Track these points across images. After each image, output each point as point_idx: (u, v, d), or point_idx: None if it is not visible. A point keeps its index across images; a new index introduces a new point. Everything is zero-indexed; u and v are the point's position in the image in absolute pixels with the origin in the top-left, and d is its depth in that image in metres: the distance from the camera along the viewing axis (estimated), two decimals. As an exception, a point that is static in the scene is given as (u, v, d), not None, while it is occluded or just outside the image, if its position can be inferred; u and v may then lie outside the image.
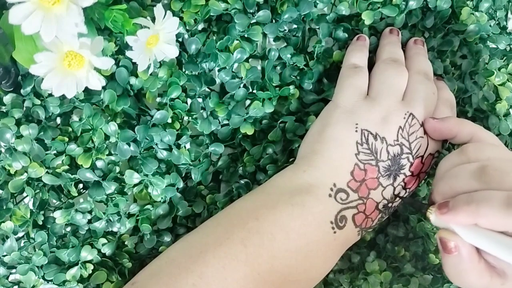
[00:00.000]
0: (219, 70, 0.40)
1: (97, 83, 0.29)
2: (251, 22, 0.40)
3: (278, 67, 0.41)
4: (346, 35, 0.41)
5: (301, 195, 0.33)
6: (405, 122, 0.35)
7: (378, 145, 0.34)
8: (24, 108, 0.38)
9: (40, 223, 0.38)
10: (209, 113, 0.40)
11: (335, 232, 0.33)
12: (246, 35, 0.40)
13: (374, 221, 0.35)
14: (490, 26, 0.43)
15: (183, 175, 0.40)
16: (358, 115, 0.35)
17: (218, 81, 0.40)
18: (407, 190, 0.36)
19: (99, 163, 0.38)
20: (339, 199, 0.33)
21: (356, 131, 0.34)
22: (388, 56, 0.38)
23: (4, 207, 0.38)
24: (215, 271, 0.31)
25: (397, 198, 0.36)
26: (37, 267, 0.38)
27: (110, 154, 0.38)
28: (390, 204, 0.35)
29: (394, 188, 0.35)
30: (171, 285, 0.31)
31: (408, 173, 0.35)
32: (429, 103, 0.36)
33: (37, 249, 0.38)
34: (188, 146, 0.40)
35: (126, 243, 0.39)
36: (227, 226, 0.33)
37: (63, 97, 0.37)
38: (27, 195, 0.39)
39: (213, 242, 0.32)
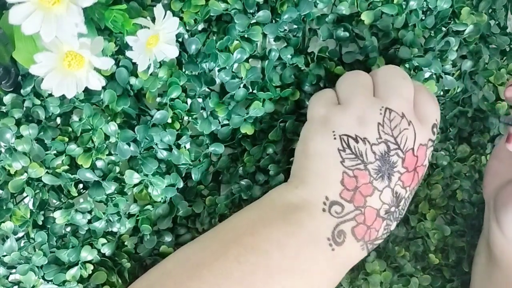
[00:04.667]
0: (219, 70, 0.40)
1: (97, 83, 0.29)
2: (251, 22, 0.40)
3: (279, 68, 0.41)
4: (348, 35, 0.41)
5: (295, 212, 0.32)
6: (383, 118, 0.33)
7: (361, 147, 0.32)
8: (24, 108, 0.38)
9: (40, 223, 0.38)
10: (209, 113, 0.40)
11: (333, 250, 0.32)
12: (246, 35, 0.40)
13: (380, 231, 0.33)
14: (490, 26, 0.43)
15: (183, 175, 0.40)
16: (333, 123, 0.33)
17: (218, 81, 0.40)
18: (407, 189, 0.34)
19: (99, 163, 0.38)
20: (334, 213, 0.32)
21: (335, 138, 0.33)
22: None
23: (4, 207, 0.38)
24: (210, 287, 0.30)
25: (401, 201, 0.33)
26: (37, 267, 0.38)
27: (110, 154, 0.38)
28: (393, 209, 0.33)
29: (392, 190, 0.33)
30: None
31: (403, 170, 0.33)
32: (405, 90, 0.34)
33: (37, 249, 0.38)
34: (188, 146, 0.40)
35: (126, 243, 0.39)
36: (223, 241, 0.32)
37: (63, 97, 0.37)
38: (27, 195, 0.39)
39: (209, 256, 0.32)
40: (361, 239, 0.32)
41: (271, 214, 0.33)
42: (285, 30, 0.40)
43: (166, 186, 0.39)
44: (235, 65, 0.40)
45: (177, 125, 0.39)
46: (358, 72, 0.36)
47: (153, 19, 0.30)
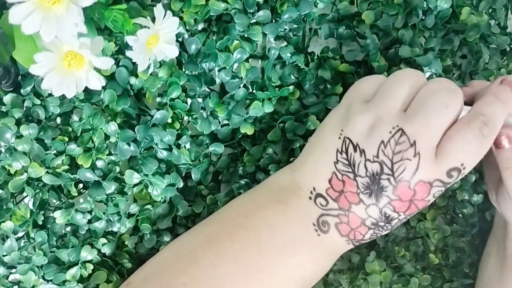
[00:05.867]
0: (219, 70, 0.40)
1: (97, 83, 0.29)
2: (251, 22, 0.40)
3: (278, 66, 0.41)
4: (349, 32, 0.41)
5: (286, 194, 0.33)
6: (390, 137, 0.30)
7: (357, 157, 0.30)
8: (24, 108, 0.38)
9: (40, 223, 0.38)
10: (209, 113, 0.40)
11: (319, 235, 0.32)
12: (246, 35, 0.40)
13: (366, 235, 0.32)
14: (490, 26, 0.43)
15: (183, 175, 0.40)
16: (347, 120, 0.31)
17: (218, 81, 0.40)
18: (401, 214, 0.31)
19: (99, 163, 0.38)
20: (319, 204, 0.32)
21: (340, 137, 0.31)
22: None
23: (4, 207, 0.38)
24: (205, 269, 0.31)
25: (393, 220, 0.31)
26: (37, 267, 0.38)
27: (110, 154, 0.38)
28: (382, 224, 0.32)
29: (381, 210, 0.31)
30: (164, 285, 0.31)
31: (394, 197, 0.30)
32: (437, 120, 0.29)
33: (37, 249, 0.38)
34: (188, 146, 0.40)
35: (126, 243, 0.39)
36: (218, 225, 0.33)
37: (63, 97, 0.37)
38: (27, 195, 0.39)
39: (204, 240, 0.33)
40: (345, 236, 0.32)
41: (265, 195, 0.34)
42: (285, 29, 0.40)
43: (166, 186, 0.39)
44: (235, 65, 0.40)
45: (177, 125, 0.39)
46: (405, 74, 0.31)
47: (153, 19, 0.30)
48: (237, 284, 0.31)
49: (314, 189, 0.32)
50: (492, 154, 0.33)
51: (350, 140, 0.31)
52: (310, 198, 0.32)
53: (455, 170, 0.30)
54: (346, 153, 0.31)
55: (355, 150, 0.30)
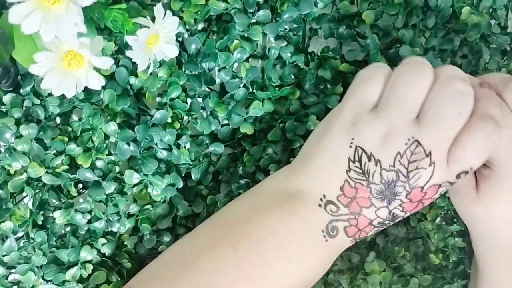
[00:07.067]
0: (219, 70, 0.40)
1: (96, 82, 0.29)
2: (251, 21, 0.39)
3: (278, 66, 0.41)
4: (350, 32, 0.40)
5: (290, 202, 0.32)
6: (406, 149, 0.30)
7: (372, 167, 0.30)
8: (24, 108, 0.38)
9: (40, 223, 0.38)
10: (209, 113, 0.40)
11: (327, 240, 0.32)
12: (246, 35, 0.40)
13: (369, 233, 0.33)
14: (491, 25, 0.43)
15: (183, 175, 0.40)
16: (357, 129, 0.31)
17: (218, 81, 0.40)
18: (407, 212, 0.32)
19: (99, 163, 0.38)
20: (329, 211, 0.32)
21: (351, 146, 0.31)
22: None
23: (4, 207, 0.38)
24: (207, 276, 0.31)
25: (397, 218, 0.33)
26: (37, 267, 0.38)
27: (110, 154, 0.38)
28: (387, 222, 0.33)
29: (390, 211, 0.32)
30: None
31: (405, 200, 0.31)
32: (450, 128, 0.30)
33: (36, 249, 0.38)
34: (188, 146, 0.40)
35: (125, 243, 0.39)
36: (220, 230, 0.33)
37: (62, 97, 0.37)
38: (26, 195, 0.39)
39: (206, 245, 0.32)
40: (352, 236, 0.33)
41: (266, 201, 0.33)
42: (286, 29, 0.40)
43: (166, 186, 0.39)
44: (235, 65, 0.40)
45: (177, 125, 0.39)
46: (416, 78, 0.30)
47: (153, 19, 0.30)
48: None
49: (324, 196, 0.32)
50: None
51: (363, 150, 0.31)
52: (319, 205, 0.32)
53: (463, 173, 0.31)
54: (360, 162, 0.31)
55: (369, 160, 0.30)
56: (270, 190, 0.34)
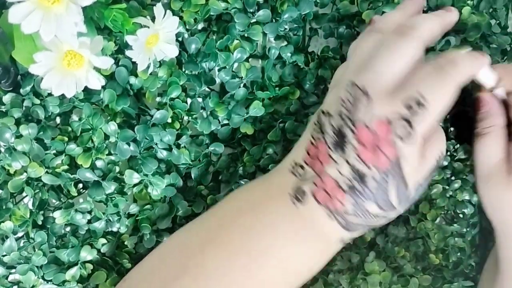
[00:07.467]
0: (219, 70, 0.40)
1: (96, 82, 0.29)
2: (251, 21, 0.39)
3: (278, 66, 0.41)
4: (350, 32, 0.40)
5: (271, 173, 0.34)
6: (346, 93, 0.31)
7: (325, 120, 0.32)
8: (24, 108, 0.38)
9: (40, 223, 0.38)
10: (209, 113, 0.40)
11: (297, 207, 0.31)
12: (246, 35, 0.40)
13: (347, 204, 0.31)
14: (491, 25, 0.43)
15: (183, 175, 0.40)
16: (326, 98, 0.34)
17: (218, 80, 0.40)
18: (371, 167, 0.30)
19: (99, 163, 0.38)
20: (297, 173, 0.32)
21: (318, 114, 0.33)
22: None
23: (4, 207, 0.38)
24: (206, 271, 0.31)
25: (368, 180, 0.30)
26: (37, 267, 0.38)
27: (110, 154, 0.38)
28: (358, 186, 0.30)
29: (350, 164, 0.30)
30: (162, 281, 0.31)
31: (356, 144, 0.30)
32: (382, 65, 0.31)
33: (36, 249, 0.38)
34: (188, 146, 0.40)
35: (125, 243, 0.39)
36: (217, 220, 0.34)
37: (62, 97, 0.37)
38: (26, 195, 0.39)
39: (204, 240, 0.33)
40: (324, 205, 0.31)
41: (255, 182, 0.36)
42: (286, 29, 0.40)
43: (165, 186, 0.39)
44: (235, 65, 0.40)
45: (177, 125, 0.39)
46: (365, 33, 0.34)
47: (153, 18, 0.30)
48: (237, 281, 0.31)
49: (294, 161, 0.33)
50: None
51: (322, 110, 0.33)
52: (289, 170, 0.33)
53: (413, 101, 0.29)
54: (319, 122, 0.32)
55: (324, 115, 0.32)
56: (265, 176, 0.36)
